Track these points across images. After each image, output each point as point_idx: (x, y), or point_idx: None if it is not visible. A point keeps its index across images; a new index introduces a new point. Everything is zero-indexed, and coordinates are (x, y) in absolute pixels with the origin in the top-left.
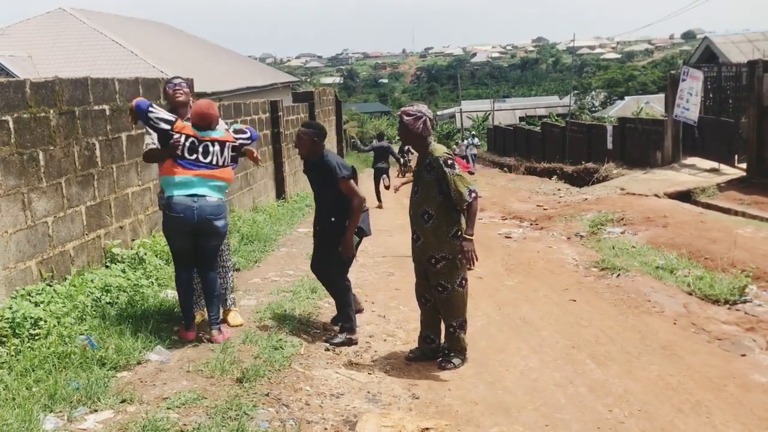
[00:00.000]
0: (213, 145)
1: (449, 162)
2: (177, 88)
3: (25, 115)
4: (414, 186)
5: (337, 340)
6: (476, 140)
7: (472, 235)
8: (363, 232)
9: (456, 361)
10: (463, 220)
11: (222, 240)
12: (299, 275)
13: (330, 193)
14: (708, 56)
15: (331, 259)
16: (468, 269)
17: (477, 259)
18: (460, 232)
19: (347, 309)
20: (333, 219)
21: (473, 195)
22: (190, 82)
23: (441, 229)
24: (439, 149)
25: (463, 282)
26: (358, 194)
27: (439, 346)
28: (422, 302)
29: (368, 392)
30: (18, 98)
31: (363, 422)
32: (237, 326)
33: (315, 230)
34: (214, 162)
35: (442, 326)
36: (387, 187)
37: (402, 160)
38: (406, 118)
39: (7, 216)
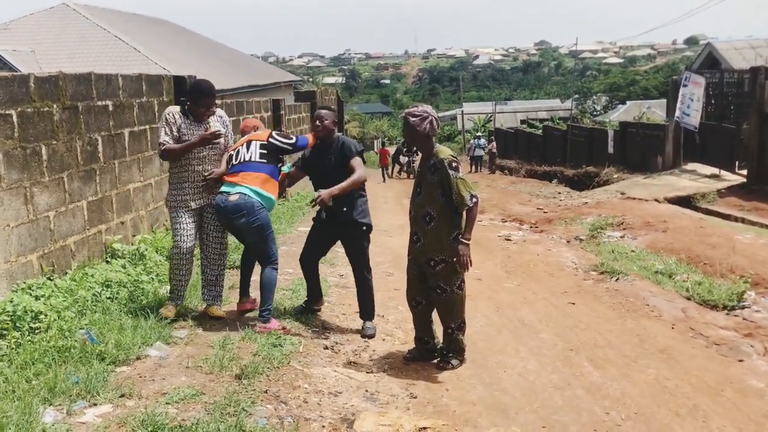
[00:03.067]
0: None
1: (453, 164)
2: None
3: (29, 110)
4: (416, 187)
5: (370, 332)
6: (482, 141)
7: (469, 239)
8: (371, 228)
9: (454, 362)
10: (463, 224)
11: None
12: (299, 273)
13: (342, 178)
14: (710, 62)
15: (355, 250)
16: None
17: (472, 264)
18: (460, 236)
19: (373, 297)
20: (345, 208)
21: (474, 200)
22: (192, 80)
23: (442, 232)
24: (444, 151)
25: (462, 284)
26: (363, 171)
27: (435, 346)
28: (413, 305)
29: (366, 391)
30: (22, 92)
31: (361, 420)
32: (219, 317)
33: (318, 220)
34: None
35: (435, 327)
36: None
37: (407, 159)
38: (412, 119)
39: (9, 210)
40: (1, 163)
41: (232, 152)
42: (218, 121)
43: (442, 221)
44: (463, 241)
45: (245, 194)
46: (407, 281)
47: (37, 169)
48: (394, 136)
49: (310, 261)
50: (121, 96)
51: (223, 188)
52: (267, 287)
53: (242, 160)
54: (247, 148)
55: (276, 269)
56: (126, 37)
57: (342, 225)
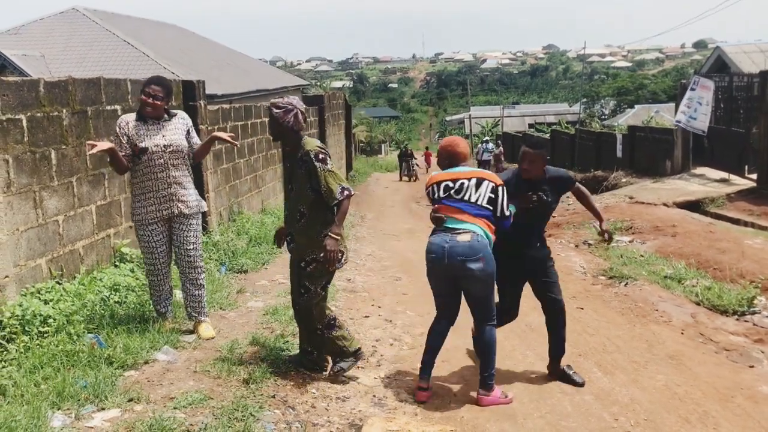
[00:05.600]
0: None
1: (320, 156)
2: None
3: (39, 114)
4: (288, 184)
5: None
6: (490, 145)
7: (338, 234)
8: None
9: (343, 364)
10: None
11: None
12: None
13: None
14: (719, 66)
15: None
16: (330, 270)
17: (339, 260)
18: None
19: None
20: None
21: (346, 193)
22: (201, 84)
23: (313, 229)
24: (310, 143)
25: (326, 286)
26: None
27: (317, 359)
28: (294, 307)
29: (374, 396)
30: (32, 97)
31: (368, 426)
32: (209, 339)
33: None
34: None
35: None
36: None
37: (405, 163)
38: (275, 111)
39: (18, 214)
40: (10, 167)
41: (449, 181)
42: (180, 123)
43: (314, 217)
44: (331, 235)
45: (478, 234)
46: (291, 281)
47: (46, 173)
48: (402, 140)
49: None
50: (130, 100)
51: (448, 224)
52: (490, 349)
53: (469, 198)
54: (477, 186)
55: (495, 326)
56: (135, 41)
57: None
